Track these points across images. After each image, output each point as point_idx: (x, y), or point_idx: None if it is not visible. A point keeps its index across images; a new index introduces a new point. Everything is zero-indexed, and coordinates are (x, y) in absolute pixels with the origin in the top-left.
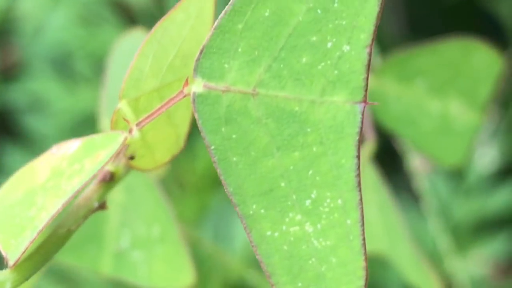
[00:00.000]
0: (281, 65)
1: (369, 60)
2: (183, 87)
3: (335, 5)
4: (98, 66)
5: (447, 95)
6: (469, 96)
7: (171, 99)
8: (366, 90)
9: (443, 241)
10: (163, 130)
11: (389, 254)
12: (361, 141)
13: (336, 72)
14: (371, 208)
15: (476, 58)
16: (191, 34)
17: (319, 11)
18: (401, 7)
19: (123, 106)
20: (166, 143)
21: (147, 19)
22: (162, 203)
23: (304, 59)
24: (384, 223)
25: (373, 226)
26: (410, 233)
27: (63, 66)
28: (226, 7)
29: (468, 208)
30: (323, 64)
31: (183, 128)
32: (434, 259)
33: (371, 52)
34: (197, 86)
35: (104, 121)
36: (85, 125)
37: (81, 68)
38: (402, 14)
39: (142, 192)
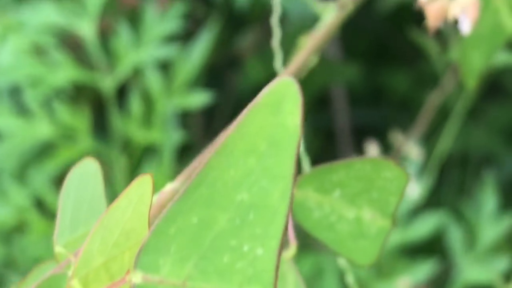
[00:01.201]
0: (207, 263)
1: (279, 262)
2: (125, 275)
3: (251, 216)
4: (51, 99)
5: (361, 204)
6: (380, 205)
7: (115, 283)
8: (275, 285)
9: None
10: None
11: None
12: None
13: (251, 270)
14: None
15: (385, 174)
16: (133, 215)
17: (237, 220)
18: (337, 37)
19: (75, 284)
20: None
21: (95, 53)
22: None
23: (225, 259)
24: None
25: None
26: None
27: (18, 99)
28: (161, 213)
29: (393, 237)
30: (240, 263)
31: None
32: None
33: (280, 254)
34: (136, 278)
35: (57, 248)
36: (41, 156)
37: (35, 101)
38: (337, 42)
39: None
